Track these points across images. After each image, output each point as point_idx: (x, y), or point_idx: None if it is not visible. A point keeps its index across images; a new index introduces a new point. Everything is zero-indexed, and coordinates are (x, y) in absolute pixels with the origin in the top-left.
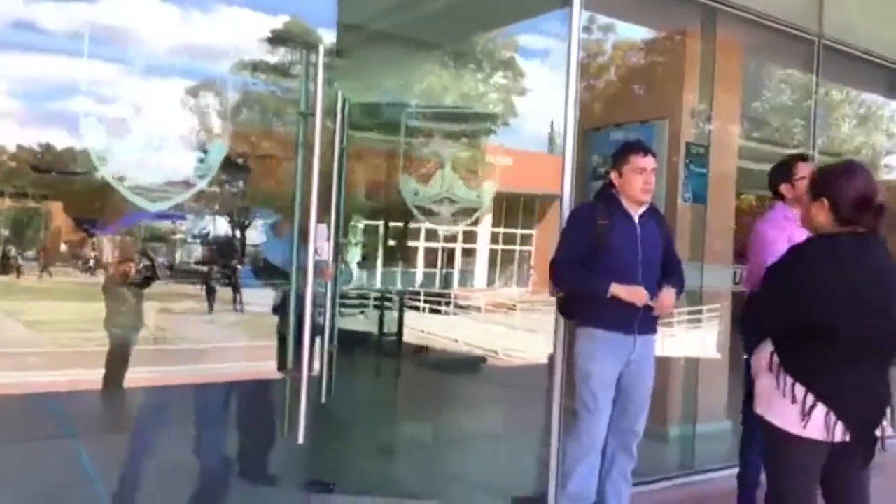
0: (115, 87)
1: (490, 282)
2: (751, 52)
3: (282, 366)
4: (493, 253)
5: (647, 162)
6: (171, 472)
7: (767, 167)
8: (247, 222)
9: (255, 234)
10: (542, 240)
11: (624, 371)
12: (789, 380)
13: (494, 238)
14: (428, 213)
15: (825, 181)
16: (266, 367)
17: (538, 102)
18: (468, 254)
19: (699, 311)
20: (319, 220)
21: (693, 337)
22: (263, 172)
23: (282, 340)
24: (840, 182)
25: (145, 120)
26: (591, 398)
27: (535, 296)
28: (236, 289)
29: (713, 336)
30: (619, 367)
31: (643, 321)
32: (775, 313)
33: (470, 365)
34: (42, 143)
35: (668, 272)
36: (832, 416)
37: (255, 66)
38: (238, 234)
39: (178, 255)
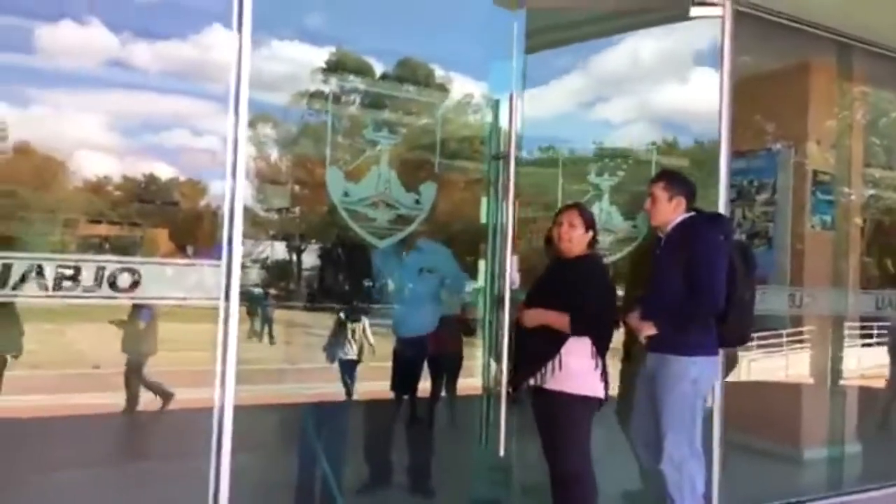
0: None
1: None
2: (872, 82)
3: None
4: None
5: None
6: None
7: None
8: (303, 247)
9: (312, 258)
10: None
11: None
12: (601, 361)
13: None
14: None
15: None
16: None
17: None
18: None
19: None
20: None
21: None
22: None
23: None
24: None
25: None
26: None
27: None
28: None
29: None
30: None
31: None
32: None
33: None
34: (146, 174)
35: None
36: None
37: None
38: (294, 258)
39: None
